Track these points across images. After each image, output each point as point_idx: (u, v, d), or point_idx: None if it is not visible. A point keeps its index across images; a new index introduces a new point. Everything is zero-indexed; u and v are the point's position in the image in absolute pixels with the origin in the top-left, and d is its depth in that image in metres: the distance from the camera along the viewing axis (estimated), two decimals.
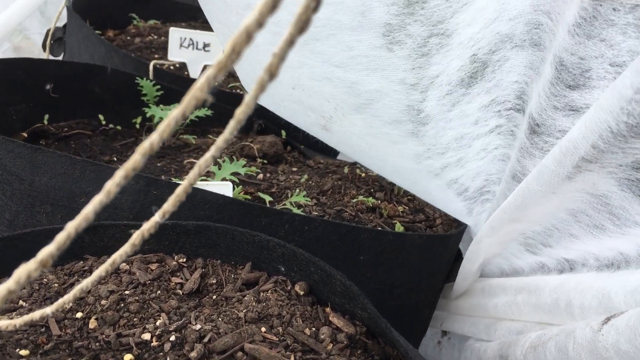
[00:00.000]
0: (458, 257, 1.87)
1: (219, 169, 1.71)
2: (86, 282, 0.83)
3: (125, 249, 0.76)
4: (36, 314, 0.89)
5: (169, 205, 0.69)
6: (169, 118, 0.55)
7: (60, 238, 0.60)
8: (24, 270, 0.61)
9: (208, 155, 0.61)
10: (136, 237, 0.74)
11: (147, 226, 0.73)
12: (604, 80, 1.11)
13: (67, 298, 0.84)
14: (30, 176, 1.40)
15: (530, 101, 1.36)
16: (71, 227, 0.60)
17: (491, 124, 1.48)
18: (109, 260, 0.79)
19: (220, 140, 0.60)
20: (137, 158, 0.58)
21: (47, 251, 0.60)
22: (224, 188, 1.54)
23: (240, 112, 0.58)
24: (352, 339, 1.17)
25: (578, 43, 1.10)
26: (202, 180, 1.69)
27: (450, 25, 1.35)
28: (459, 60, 1.39)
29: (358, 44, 1.46)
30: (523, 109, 1.41)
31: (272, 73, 0.54)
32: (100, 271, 0.79)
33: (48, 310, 0.88)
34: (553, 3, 1.21)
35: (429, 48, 1.40)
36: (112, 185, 0.58)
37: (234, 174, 1.74)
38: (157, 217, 0.71)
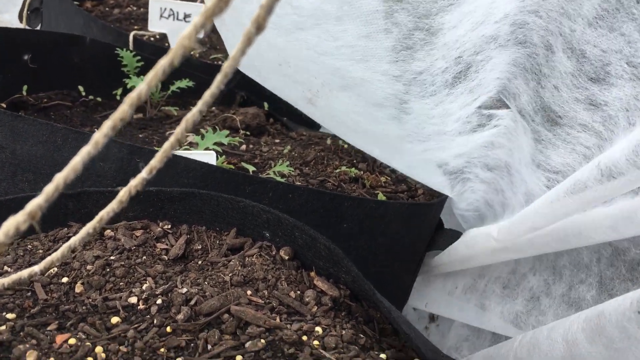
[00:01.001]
0: (439, 226, 1.90)
1: (202, 139, 1.71)
2: (74, 240, 0.84)
3: (113, 206, 0.77)
4: (24, 273, 0.89)
5: (156, 161, 0.70)
6: (157, 67, 0.55)
7: (49, 190, 0.61)
8: (13, 222, 0.61)
9: (195, 109, 0.62)
10: (123, 193, 0.74)
11: (134, 183, 0.73)
12: (621, 80, 1.13)
13: (55, 256, 0.85)
14: (11, 144, 1.39)
15: (520, 95, 1.38)
16: (59, 178, 0.60)
17: (474, 121, 1.50)
18: (96, 218, 0.79)
19: (207, 95, 0.61)
20: (124, 108, 0.58)
21: (36, 203, 0.61)
22: (207, 157, 1.54)
23: (227, 66, 0.58)
24: (336, 302, 1.20)
25: (600, 35, 1.12)
26: (184, 149, 1.69)
27: (435, 22, 1.37)
28: (443, 61, 1.41)
29: (343, 34, 1.47)
30: (505, 104, 1.43)
31: (259, 25, 0.54)
32: (87, 228, 0.79)
33: (36, 268, 0.88)
34: (542, 2, 1.23)
35: (414, 42, 1.41)
36: (99, 137, 0.58)
37: (217, 144, 1.73)
38: (144, 174, 0.72)
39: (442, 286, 1.97)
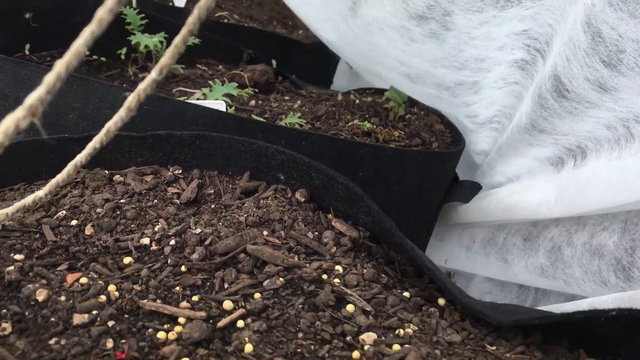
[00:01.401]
0: (455, 179, 1.85)
1: (210, 91, 1.66)
2: (79, 158, 0.79)
3: (121, 114, 0.72)
4: (28, 199, 0.85)
5: (166, 58, 0.65)
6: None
7: (50, 79, 0.56)
8: (12, 119, 0.57)
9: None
10: (132, 99, 0.70)
11: (143, 86, 0.69)
12: (632, 72, 1.06)
13: (60, 177, 0.80)
14: (14, 92, 1.34)
15: (551, 54, 1.30)
16: (60, 65, 0.55)
17: (517, 55, 1.42)
18: (103, 130, 0.75)
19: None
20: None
21: (36, 96, 0.56)
22: (217, 105, 1.49)
23: None
24: (356, 243, 1.15)
25: (620, 19, 1.04)
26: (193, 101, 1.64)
27: None
28: None
29: None
30: (545, 57, 1.35)
31: None
32: (95, 142, 0.75)
33: (40, 193, 0.84)
34: None
35: None
36: (103, 13, 0.53)
37: (226, 96, 1.68)
38: (153, 74, 0.67)
39: (458, 240, 1.92)
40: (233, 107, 1.70)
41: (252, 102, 1.92)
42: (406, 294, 1.05)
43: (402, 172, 1.58)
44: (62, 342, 0.84)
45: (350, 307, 0.96)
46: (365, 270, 1.07)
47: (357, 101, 2.05)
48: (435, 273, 1.04)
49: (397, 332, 0.93)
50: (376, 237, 1.19)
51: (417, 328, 0.95)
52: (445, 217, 1.89)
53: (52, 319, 0.88)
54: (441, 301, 1.06)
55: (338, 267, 1.05)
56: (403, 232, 1.63)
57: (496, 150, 1.67)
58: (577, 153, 1.36)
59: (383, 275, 1.08)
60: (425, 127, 2.00)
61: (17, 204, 0.87)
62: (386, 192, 1.59)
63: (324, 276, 1.03)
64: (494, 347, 0.93)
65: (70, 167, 0.79)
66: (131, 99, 0.68)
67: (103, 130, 0.72)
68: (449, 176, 1.78)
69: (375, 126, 1.90)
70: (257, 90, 2.08)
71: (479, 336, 0.96)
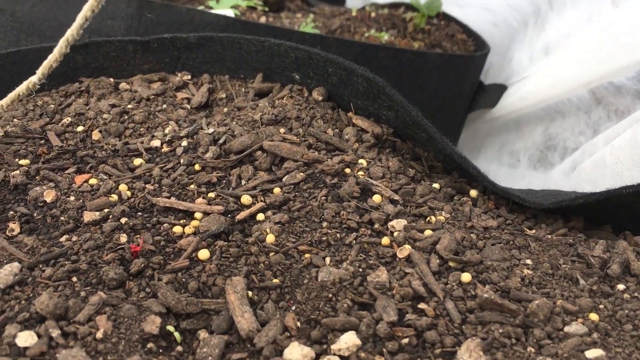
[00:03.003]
0: (480, 86, 1.75)
1: (217, 3, 1.57)
2: (70, 32, 0.72)
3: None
4: (21, 87, 0.79)
5: None
6: None
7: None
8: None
9: None
10: None
11: None
12: None
13: (53, 57, 0.73)
14: (10, 5, 1.27)
15: None
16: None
17: None
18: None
19: None
20: None
21: None
22: (224, 12, 1.41)
23: None
24: (379, 139, 1.08)
25: None
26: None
27: None
28: None
29: None
30: None
31: None
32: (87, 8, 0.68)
33: (33, 78, 0.78)
34: None
35: None
36: None
37: (235, 7, 1.59)
38: None
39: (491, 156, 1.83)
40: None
41: (263, 19, 1.82)
42: (436, 185, 0.98)
43: (424, 77, 1.49)
44: (74, 238, 0.79)
45: (376, 198, 0.90)
46: (390, 164, 1.00)
47: (373, 14, 1.94)
48: (467, 161, 0.97)
49: (428, 219, 0.87)
50: (401, 134, 1.12)
51: (449, 215, 0.89)
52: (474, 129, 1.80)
53: (62, 218, 0.83)
54: (473, 192, 0.99)
55: (362, 161, 0.99)
56: None
57: None
58: None
59: (410, 169, 1.01)
60: (446, 37, 1.89)
61: (11, 95, 0.81)
62: (408, 98, 1.50)
63: (347, 170, 0.96)
64: (533, 231, 0.86)
65: (61, 43, 0.72)
66: None
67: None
68: (474, 83, 1.69)
69: (393, 38, 1.80)
70: (267, 9, 1.98)
71: (516, 221, 0.90)
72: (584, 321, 0.67)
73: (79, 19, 0.60)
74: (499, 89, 1.60)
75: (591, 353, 0.62)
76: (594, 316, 0.68)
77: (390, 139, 1.09)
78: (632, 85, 1.29)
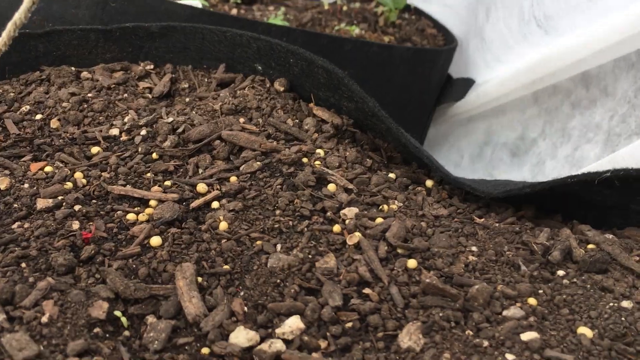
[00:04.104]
0: (448, 80, 1.77)
1: None
2: (18, 16, 0.73)
3: None
4: None
5: None
6: None
7: None
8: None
9: None
10: None
11: None
12: None
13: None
14: None
15: None
16: None
17: None
18: None
19: None
20: None
21: None
22: (191, 2, 1.41)
23: None
24: (339, 129, 1.09)
25: None
26: None
27: None
28: None
29: None
30: None
31: None
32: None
33: None
34: None
35: None
36: None
37: None
38: None
39: (446, 156, 1.87)
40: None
41: (234, 12, 1.82)
42: (392, 175, 1.00)
43: (392, 70, 1.50)
44: (26, 225, 0.79)
45: (331, 187, 0.91)
46: (348, 153, 1.01)
47: (345, 7, 1.95)
48: (421, 151, 0.98)
49: (380, 207, 0.88)
50: (361, 125, 1.13)
51: (402, 204, 0.90)
52: (438, 121, 1.82)
53: (15, 205, 0.83)
54: (429, 182, 1.01)
55: (319, 151, 1.00)
56: None
57: None
58: None
59: (368, 160, 1.02)
60: (417, 32, 1.91)
61: None
62: (375, 92, 1.51)
63: (305, 159, 0.97)
64: (482, 219, 0.88)
65: (9, 27, 0.72)
66: None
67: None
68: (442, 76, 1.71)
69: (364, 31, 1.82)
70: (239, 1, 1.98)
71: (467, 210, 0.92)
72: (522, 305, 0.69)
73: (26, 2, 0.61)
74: (466, 83, 1.62)
75: (526, 336, 0.64)
76: (532, 301, 0.70)
77: (350, 130, 1.11)
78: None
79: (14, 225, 0.80)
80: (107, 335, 0.66)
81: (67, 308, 0.67)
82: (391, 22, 1.91)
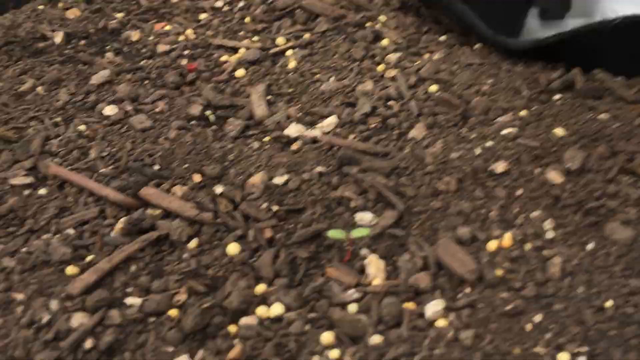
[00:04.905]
0: None
1: None
2: None
3: None
4: None
5: None
6: None
7: None
8: None
9: None
10: None
11: None
12: None
13: None
14: None
15: None
16: None
17: None
18: None
19: None
20: None
21: None
22: None
23: None
24: (405, 3, 1.26)
25: None
26: None
27: None
28: None
29: None
30: None
31: None
32: None
33: None
34: None
35: None
36: None
37: None
38: None
39: None
40: None
41: None
42: (443, 37, 1.16)
43: None
44: (150, 62, 1.08)
45: (384, 41, 1.10)
46: (408, 20, 1.18)
47: None
48: (468, 14, 1.13)
49: (422, 56, 1.06)
50: (428, 3, 1.28)
51: (442, 56, 1.07)
52: None
53: (143, 50, 1.12)
54: (477, 45, 1.15)
55: (382, 16, 1.18)
56: None
57: None
58: None
59: (425, 28, 1.19)
60: None
61: None
62: None
63: (368, 23, 1.16)
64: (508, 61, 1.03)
65: None
66: None
67: None
68: None
69: None
70: None
71: (499, 59, 1.06)
72: (513, 115, 0.86)
73: None
74: None
75: (506, 130, 0.81)
76: (523, 112, 0.86)
77: (415, 6, 1.27)
78: None
79: (142, 62, 1.09)
80: (200, 125, 0.93)
81: (173, 107, 0.95)
82: None
